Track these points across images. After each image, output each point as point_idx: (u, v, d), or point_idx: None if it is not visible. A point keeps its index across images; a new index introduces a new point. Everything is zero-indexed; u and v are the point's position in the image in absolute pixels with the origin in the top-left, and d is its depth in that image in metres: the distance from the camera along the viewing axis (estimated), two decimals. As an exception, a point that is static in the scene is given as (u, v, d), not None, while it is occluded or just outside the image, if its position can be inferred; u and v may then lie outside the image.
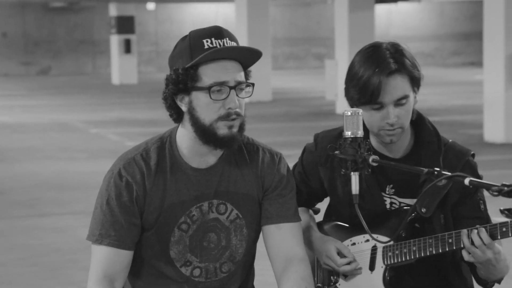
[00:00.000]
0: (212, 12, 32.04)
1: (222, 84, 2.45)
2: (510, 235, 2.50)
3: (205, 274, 2.60)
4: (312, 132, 2.87)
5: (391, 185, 2.73)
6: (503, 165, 10.03)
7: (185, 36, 2.51)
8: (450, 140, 2.75)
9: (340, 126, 2.78)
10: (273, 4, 29.93)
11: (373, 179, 2.70)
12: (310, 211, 2.92)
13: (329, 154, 2.69)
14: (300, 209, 2.84)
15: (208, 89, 2.45)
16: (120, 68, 25.76)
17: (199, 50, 2.45)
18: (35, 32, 31.02)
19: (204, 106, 2.46)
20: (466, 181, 2.10)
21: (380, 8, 30.70)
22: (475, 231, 2.51)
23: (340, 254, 2.71)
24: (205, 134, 2.48)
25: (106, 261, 2.51)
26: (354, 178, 2.50)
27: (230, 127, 2.47)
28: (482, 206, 2.69)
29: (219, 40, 2.46)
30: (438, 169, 2.27)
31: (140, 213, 2.54)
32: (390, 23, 32.67)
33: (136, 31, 26.68)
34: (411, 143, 2.73)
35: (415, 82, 2.65)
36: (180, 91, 2.48)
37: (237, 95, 2.47)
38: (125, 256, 2.53)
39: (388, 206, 2.73)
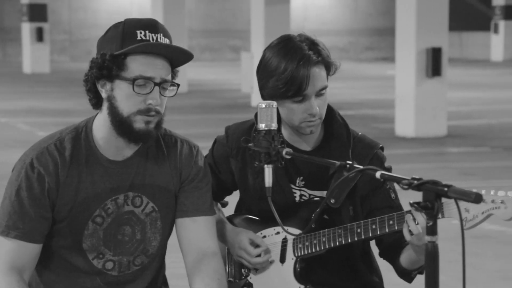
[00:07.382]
0: (127, 2, 31.68)
1: (148, 79, 2.41)
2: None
3: (118, 268, 2.57)
4: (227, 124, 2.86)
5: (301, 177, 2.74)
6: (413, 159, 10.24)
7: (119, 23, 2.46)
8: (360, 133, 2.79)
9: (251, 119, 2.79)
10: (189, -5, 29.80)
11: (282, 172, 2.71)
12: (219, 204, 2.91)
13: (240, 146, 2.68)
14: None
15: (133, 81, 2.40)
16: (32, 56, 25.23)
17: (131, 39, 2.41)
18: None
19: (125, 97, 2.42)
20: (378, 174, 2.13)
21: (296, 2, 30.92)
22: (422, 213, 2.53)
23: (253, 244, 2.71)
24: (121, 125, 2.44)
25: (13, 253, 2.46)
26: (268, 170, 2.50)
27: (148, 123, 2.43)
28: (392, 195, 2.72)
29: (153, 34, 2.42)
30: (350, 162, 2.29)
31: (52, 205, 2.49)
32: (306, 17, 32.93)
33: (49, 19, 26.17)
34: (321, 135, 2.75)
35: (329, 72, 2.69)
36: (103, 77, 2.44)
37: (160, 93, 2.43)
38: (32, 249, 2.48)
39: (298, 198, 2.74)
